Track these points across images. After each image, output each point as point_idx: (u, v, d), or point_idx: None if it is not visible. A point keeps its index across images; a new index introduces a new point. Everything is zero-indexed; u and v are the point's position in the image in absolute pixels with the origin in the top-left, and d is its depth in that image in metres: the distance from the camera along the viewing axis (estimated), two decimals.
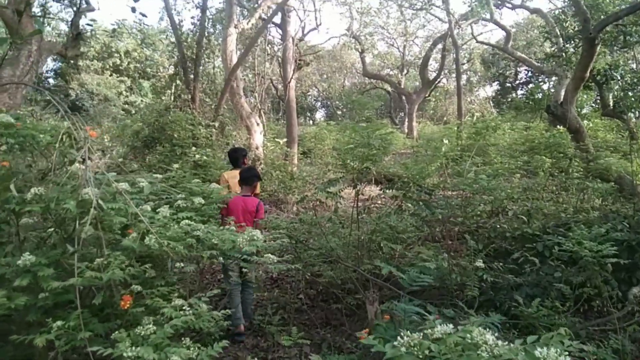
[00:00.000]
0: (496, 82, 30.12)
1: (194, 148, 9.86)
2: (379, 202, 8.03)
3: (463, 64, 27.08)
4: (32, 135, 2.94)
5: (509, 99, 27.70)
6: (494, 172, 6.65)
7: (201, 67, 13.06)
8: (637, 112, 13.71)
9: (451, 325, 1.73)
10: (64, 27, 20.48)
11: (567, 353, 1.41)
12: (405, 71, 31.56)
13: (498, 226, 5.85)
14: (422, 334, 1.73)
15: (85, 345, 2.30)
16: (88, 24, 7.09)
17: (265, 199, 9.35)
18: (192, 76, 12.09)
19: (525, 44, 26.31)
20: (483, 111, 27.01)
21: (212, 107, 12.92)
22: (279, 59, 16.04)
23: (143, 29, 25.71)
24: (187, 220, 2.97)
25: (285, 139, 13.63)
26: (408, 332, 1.74)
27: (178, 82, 12.95)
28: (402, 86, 29.93)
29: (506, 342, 1.65)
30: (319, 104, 41.00)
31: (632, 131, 11.71)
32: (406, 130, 25.91)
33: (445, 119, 30.41)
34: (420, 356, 1.63)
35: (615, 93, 12.83)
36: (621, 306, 4.28)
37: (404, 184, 6.07)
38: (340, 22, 63.37)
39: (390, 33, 30.53)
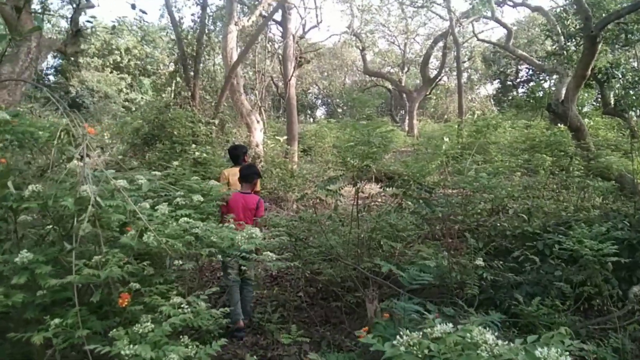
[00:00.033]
0: (497, 80, 30.10)
1: (193, 145, 9.85)
2: (379, 200, 8.00)
3: (464, 61, 27.02)
4: (30, 132, 2.93)
5: (510, 97, 27.68)
6: (494, 170, 6.63)
7: (201, 65, 13.05)
8: (638, 111, 13.70)
9: (451, 325, 1.71)
10: (64, 24, 20.42)
11: (567, 353, 1.40)
12: (406, 69, 31.51)
13: (498, 224, 5.84)
14: (421, 333, 1.72)
15: (83, 343, 2.29)
16: (88, 21, 7.08)
17: (265, 197, 9.33)
18: (192, 73, 12.08)
19: (526, 42, 26.25)
20: (484, 109, 26.95)
21: (212, 104, 12.91)
22: (280, 56, 16.00)
23: (143, 26, 25.69)
24: (185, 218, 2.95)
25: (285, 137, 13.60)
26: (407, 331, 1.72)
27: (178, 79, 12.93)
28: (403, 84, 29.89)
29: (506, 342, 1.64)
30: (320, 101, 40.98)
31: (633, 129, 11.69)
32: (407, 128, 25.89)
33: (445, 117, 30.41)
34: (420, 355, 1.62)
35: (617, 91, 12.82)
36: (621, 305, 4.27)
37: (404, 182, 6.06)
38: (341, 20, 63.17)
39: (391, 31, 30.49)
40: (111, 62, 24.85)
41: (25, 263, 2.41)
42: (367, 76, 32.83)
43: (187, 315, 2.42)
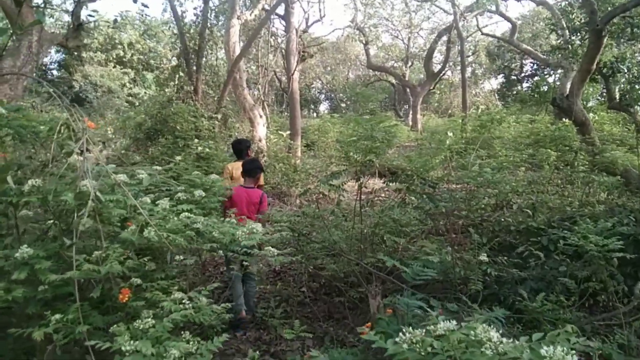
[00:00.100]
0: (501, 75, 29.90)
1: (196, 140, 9.83)
2: (383, 195, 7.98)
3: (468, 56, 26.93)
4: (31, 127, 2.91)
5: (514, 92, 27.52)
6: (498, 165, 6.59)
7: (204, 59, 13.00)
8: None
9: (454, 322, 1.69)
10: (67, 19, 20.39)
11: (573, 352, 1.37)
12: (409, 63, 31.41)
13: (502, 220, 5.81)
14: (424, 330, 1.69)
15: (84, 339, 2.27)
16: (90, 15, 7.05)
17: (268, 192, 9.31)
18: (194, 68, 12.04)
19: (531, 36, 26.10)
20: (488, 104, 26.87)
21: (215, 99, 12.88)
22: (283, 50, 15.97)
23: (145, 20, 25.64)
24: (186, 213, 2.94)
25: (288, 132, 13.58)
26: (410, 328, 1.70)
27: (181, 74, 12.90)
28: (407, 78, 29.79)
29: (511, 339, 1.61)
30: (323, 96, 40.88)
31: (638, 124, 11.61)
32: (410, 123, 25.85)
33: (449, 111, 30.33)
34: (423, 353, 1.59)
35: (622, 86, 12.72)
36: (627, 301, 4.24)
37: (407, 176, 6.02)
38: (344, 14, 63.11)
39: (395, 25, 30.38)
40: (114, 56, 24.82)
41: (25, 258, 2.39)
42: (371, 71, 32.72)
43: (189, 311, 2.41)
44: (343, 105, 34.98)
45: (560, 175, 8.34)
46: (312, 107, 39.27)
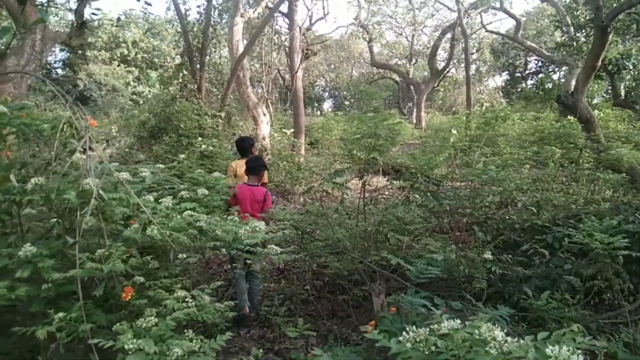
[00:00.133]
0: (506, 72, 29.79)
1: (200, 138, 9.83)
2: (386, 193, 7.95)
3: (472, 53, 26.78)
4: (34, 125, 2.91)
5: (519, 89, 27.42)
6: (503, 162, 6.56)
7: (207, 57, 13.01)
8: None
9: (458, 321, 1.67)
10: (71, 17, 20.45)
11: (579, 351, 1.35)
12: (413, 61, 31.29)
13: (507, 217, 5.78)
14: (428, 329, 1.68)
15: (88, 337, 2.27)
16: (93, 13, 7.05)
17: (272, 190, 9.31)
18: (198, 66, 12.03)
19: (535, 33, 25.98)
20: (492, 101, 26.71)
21: (219, 97, 12.88)
22: (286, 48, 15.93)
23: (149, 18, 25.67)
24: (189, 211, 2.93)
25: (292, 130, 13.56)
26: (414, 327, 1.69)
27: (184, 72, 12.91)
28: (411, 76, 29.70)
29: (515, 338, 1.59)
30: (327, 94, 40.86)
31: None
32: (414, 121, 25.77)
33: (454, 109, 30.20)
34: (426, 352, 1.58)
35: (627, 83, 12.66)
36: (632, 299, 4.21)
37: (411, 174, 6.01)
38: (347, 11, 62.84)
39: (399, 22, 30.26)
40: (118, 55, 24.88)
41: (28, 257, 2.40)
42: (375, 68, 32.64)
43: (191, 309, 2.40)
44: (347, 103, 34.93)
45: (565, 172, 8.29)
46: (316, 105, 39.26)
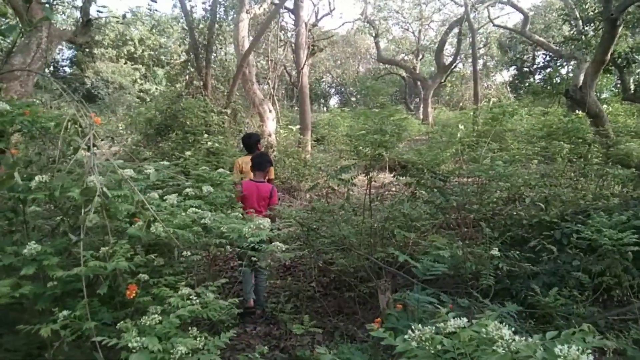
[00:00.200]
0: (513, 67, 29.58)
1: (206, 135, 9.84)
2: (393, 189, 7.92)
3: (479, 48, 26.64)
4: (40, 123, 2.91)
5: (527, 84, 27.20)
6: (510, 158, 6.52)
7: (213, 54, 13.00)
8: None
9: (465, 319, 1.65)
10: (78, 15, 20.55)
11: (589, 351, 1.32)
12: (420, 56, 31.16)
13: (515, 213, 5.74)
14: (434, 327, 1.65)
15: (93, 335, 2.27)
16: (99, 11, 7.05)
17: (278, 186, 9.30)
18: (204, 63, 12.04)
19: (543, 27, 25.76)
20: (500, 96, 26.58)
21: (225, 94, 12.87)
22: (292, 44, 15.90)
23: (154, 15, 25.72)
24: (194, 208, 2.92)
25: (298, 126, 13.55)
26: (420, 325, 1.66)
27: (190, 69, 12.91)
28: (417, 71, 29.58)
29: (523, 336, 1.57)
30: (333, 90, 40.78)
31: None
32: (421, 116, 25.67)
33: (461, 104, 30.04)
34: (432, 351, 1.56)
35: (637, 77, 12.52)
36: None
37: (418, 170, 5.98)
38: (354, 7, 62.69)
39: (405, 17, 30.15)
40: (125, 53, 24.99)
41: (33, 254, 2.40)
42: (381, 64, 32.51)
43: (196, 307, 2.39)
44: (353, 99, 34.87)
45: (574, 168, 8.22)
46: (322, 101, 39.22)
